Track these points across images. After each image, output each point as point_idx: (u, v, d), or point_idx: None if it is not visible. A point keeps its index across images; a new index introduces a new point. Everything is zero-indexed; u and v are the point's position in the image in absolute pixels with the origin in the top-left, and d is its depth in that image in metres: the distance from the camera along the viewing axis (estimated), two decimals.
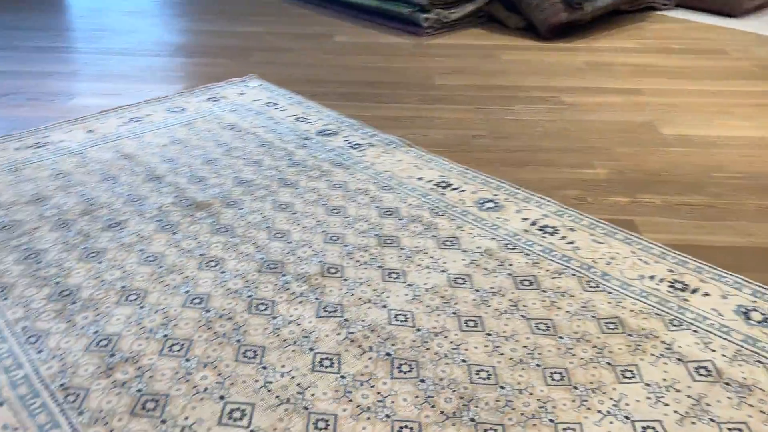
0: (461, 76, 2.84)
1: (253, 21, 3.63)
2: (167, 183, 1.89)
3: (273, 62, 2.97)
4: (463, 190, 1.90)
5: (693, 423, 1.16)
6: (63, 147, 2.09)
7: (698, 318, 1.40)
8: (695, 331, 1.36)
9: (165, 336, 1.32)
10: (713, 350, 1.32)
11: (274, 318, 1.38)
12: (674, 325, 1.38)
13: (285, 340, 1.32)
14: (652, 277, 1.53)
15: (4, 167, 1.95)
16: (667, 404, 1.19)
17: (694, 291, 1.48)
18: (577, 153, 2.16)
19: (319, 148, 2.13)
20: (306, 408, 1.17)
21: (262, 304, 1.42)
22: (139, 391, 1.19)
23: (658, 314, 1.41)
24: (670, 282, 1.51)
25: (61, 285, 1.46)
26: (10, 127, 2.22)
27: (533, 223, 1.75)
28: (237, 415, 1.15)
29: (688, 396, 1.21)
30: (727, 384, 1.24)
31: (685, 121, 2.39)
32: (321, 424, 1.13)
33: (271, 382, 1.22)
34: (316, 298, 1.44)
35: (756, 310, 1.42)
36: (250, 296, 1.44)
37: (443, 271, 1.54)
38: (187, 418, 1.14)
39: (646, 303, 1.45)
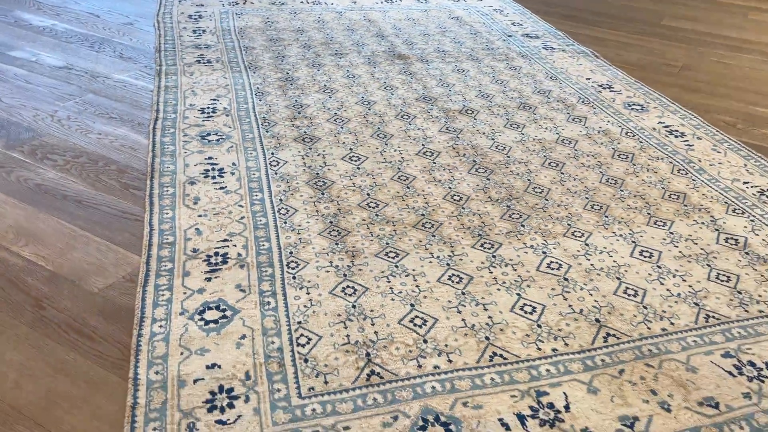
0: (693, 22, 2.88)
1: None
2: (387, 40, 2.45)
3: None
4: (620, 93, 2.11)
5: (689, 261, 1.34)
6: (331, 7, 2.78)
7: (767, 215, 1.50)
8: (752, 220, 1.48)
9: (335, 114, 1.88)
10: (756, 234, 1.44)
11: (409, 124, 1.85)
12: (735, 213, 1.51)
13: (408, 136, 1.78)
14: (746, 183, 1.64)
15: (288, 11, 2.70)
16: (676, 246, 1.39)
17: None
18: (760, 95, 2.18)
19: (517, 43, 2.49)
20: (399, 169, 1.62)
21: (406, 115, 1.90)
22: (305, 132, 1.77)
23: (726, 202, 1.55)
24: (762, 189, 1.61)
25: (288, 75, 2.11)
26: None
27: (666, 126, 1.91)
28: (355, 159, 1.66)
29: (701, 249, 1.38)
30: (747, 254, 1.37)
31: None
32: (402, 178, 1.59)
33: (384, 152, 1.70)
34: (445, 122, 1.87)
35: None
36: (401, 110, 1.93)
37: (557, 133, 1.84)
38: (324, 151, 1.68)
39: (722, 194, 1.58)
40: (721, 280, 1.29)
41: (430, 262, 1.30)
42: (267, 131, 1.76)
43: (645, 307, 1.22)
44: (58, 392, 0.99)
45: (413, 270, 1.27)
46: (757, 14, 3.02)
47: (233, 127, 1.76)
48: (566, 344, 1.12)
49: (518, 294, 1.23)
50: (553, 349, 1.11)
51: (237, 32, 2.43)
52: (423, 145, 1.74)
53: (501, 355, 1.09)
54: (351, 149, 1.70)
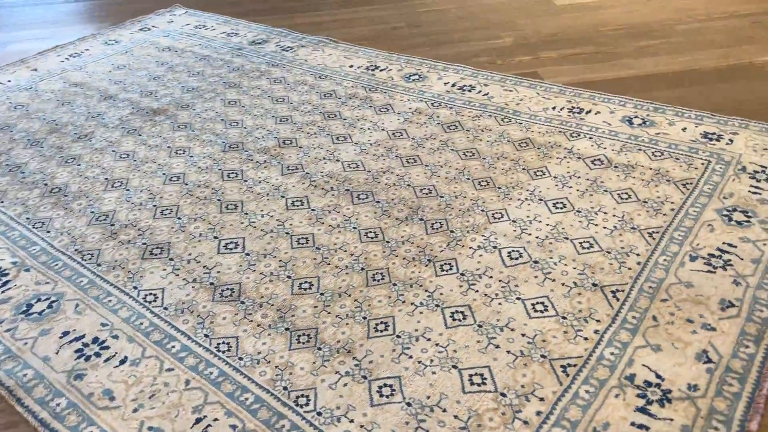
0: None
1: None
2: (121, 99, 2.06)
3: None
4: (390, 70, 2.15)
5: (591, 195, 1.47)
6: (12, 85, 2.21)
7: (592, 129, 1.72)
8: (590, 138, 1.68)
9: (154, 206, 1.54)
10: (604, 148, 1.64)
11: (245, 181, 1.61)
12: (573, 137, 1.69)
13: (259, 194, 1.56)
14: (554, 108, 1.83)
15: None
16: (570, 187, 1.51)
17: (588, 112, 1.80)
18: (485, 30, 2.44)
19: (254, 54, 2.33)
20: (288, 233, 1.42)
21: (232, 173, 1.65)
22: (144, 243, 1.41)
23: (560, 131, 1.72)
24: (568, 109, 1.82)
25: (49, 185, 1.64)
26: None
27: (453, 85, 2.02)
28: (231, 246, 1.39)
29: (587, 179, 1.53)
30: (616, 167, 1.56)
31: None
32: (302, 241, 1.39)
33: (254, 222, 1.46)
34: (278, 162, 1.68)
35: (637, 117, 1.75)
36: (220, 169, 1.67)
37: (383, 130, 1.80)
38: (190, 254, 1.37)
39: (549, 126, 1.75)
40: (624, 198, 1.45)
41: (422, 312, 1.19)
42: (99, 265, 1.36)
43: (609, 252, 1.30)
44: None
45: (415, 330, 1.15)
46: None
47: (52, 281, 1.32)
48: (597, 321, 1.15)
49: (518, 298, 1.21)
50: (596, 321, 1.13)
51: None
52: (282, 196, 1.54)
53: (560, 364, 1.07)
54: (215, 237, 1.42)
